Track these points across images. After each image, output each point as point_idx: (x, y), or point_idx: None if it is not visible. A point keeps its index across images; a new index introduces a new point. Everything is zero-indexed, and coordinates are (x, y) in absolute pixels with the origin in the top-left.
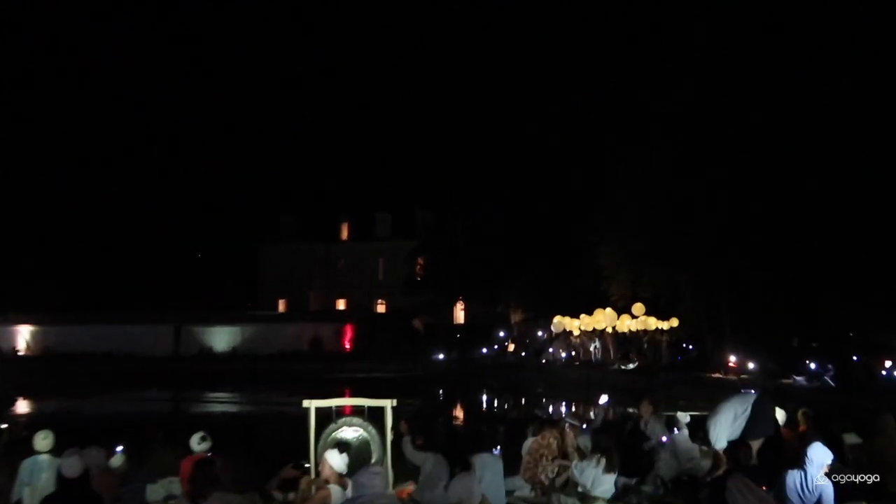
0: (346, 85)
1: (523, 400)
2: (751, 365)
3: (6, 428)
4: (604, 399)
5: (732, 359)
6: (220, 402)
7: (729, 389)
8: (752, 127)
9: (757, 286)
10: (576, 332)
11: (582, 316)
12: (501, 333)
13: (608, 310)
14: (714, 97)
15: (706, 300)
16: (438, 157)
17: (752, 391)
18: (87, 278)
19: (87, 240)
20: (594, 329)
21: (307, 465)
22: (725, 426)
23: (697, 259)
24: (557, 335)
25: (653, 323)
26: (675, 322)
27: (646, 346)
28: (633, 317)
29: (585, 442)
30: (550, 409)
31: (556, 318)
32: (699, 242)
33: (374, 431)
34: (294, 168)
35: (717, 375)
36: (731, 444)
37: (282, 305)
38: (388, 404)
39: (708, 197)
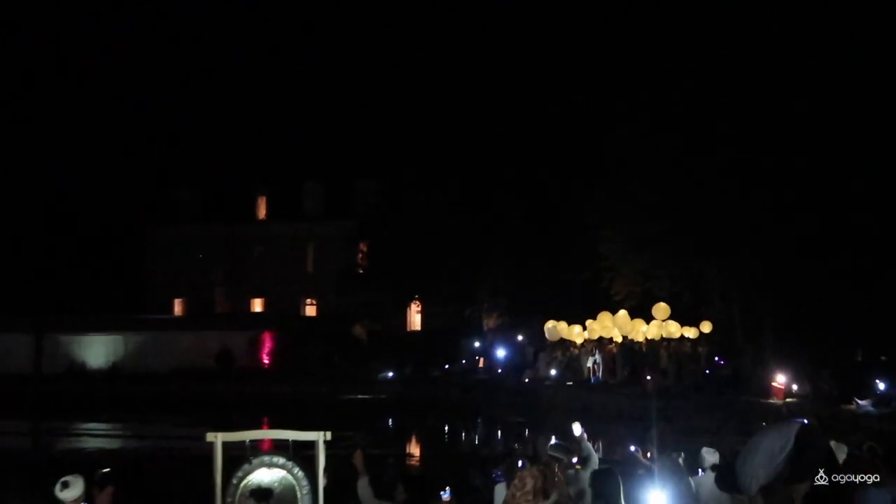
0: (263, 23)
1: (498, 432)
2: (798, 385)
3: None
4: (577, 429)
5: (779, 378)
6: (96, 436)
7: (771, 417)
8: (803, 80)
9: (808, 281)
10: (578, 342)
11: (588, 322)
12: (476, 344)
13: (621, 313)
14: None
15: (741, 300)
16: (386, 111)
17: (800, 420)
18: None
19: None
20: (599, 338)
21: None
22: (762, 466)
23: (730, 245)
24: (546, 346)
25: (675, 329)
26: (706, 327)
27: (667, 360)
28: (649, 321)
29: (580, 485)
30: (532, 443)
31: (550, 324)
32: (732, 223)
33: (301, 474)
34: (192, 125)
35: (755, 399)
36: (765, 489)
37: (178, 307)
38: (319, 438)
39: (743, 165)
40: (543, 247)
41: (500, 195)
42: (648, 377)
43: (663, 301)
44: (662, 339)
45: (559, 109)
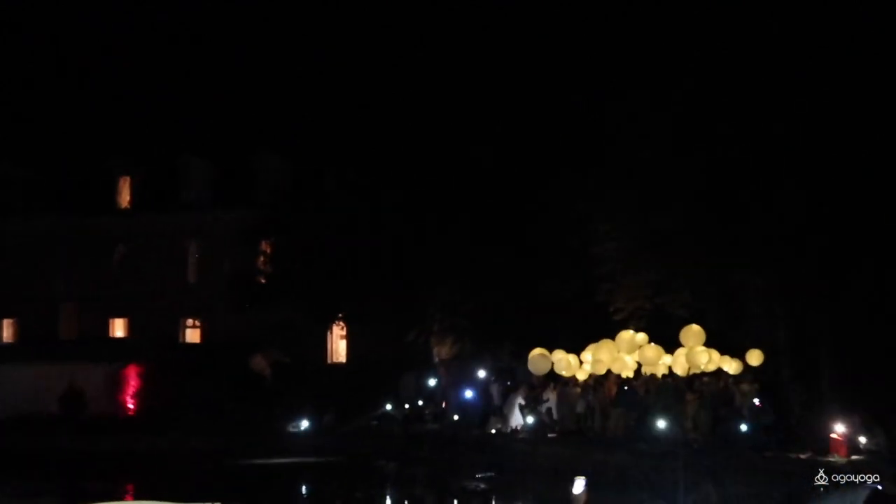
0: None
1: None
2: (867, 438)
3: None
4: (578, 486)
5: (840, 428)
6: None
7: (831, 481)
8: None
9: (880, 295)
10: (581, 377)
11: (592, 346)
12: (432, 382)
13: (631, 333)
14: None
15: (791, 323)
16: (295, 64)
17: (871, 485)
18: None
19: None
20: (608, 373)
21: None
22: None
23: (779, 246)
24: (518, 385)
25: (710, 360)
26: (755, 358)
27: (697, 403)
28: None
29: None
30: None
31: (538, 353)
32: (783, 215)
33: None
34: (31, 83)
35: (809, 456)
36: None
37: (7, 331)
38: None
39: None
40: (517, 250)
41: (460, 181)
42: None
43: (684, 322)
44: (694, 374)
45: (541, 69)
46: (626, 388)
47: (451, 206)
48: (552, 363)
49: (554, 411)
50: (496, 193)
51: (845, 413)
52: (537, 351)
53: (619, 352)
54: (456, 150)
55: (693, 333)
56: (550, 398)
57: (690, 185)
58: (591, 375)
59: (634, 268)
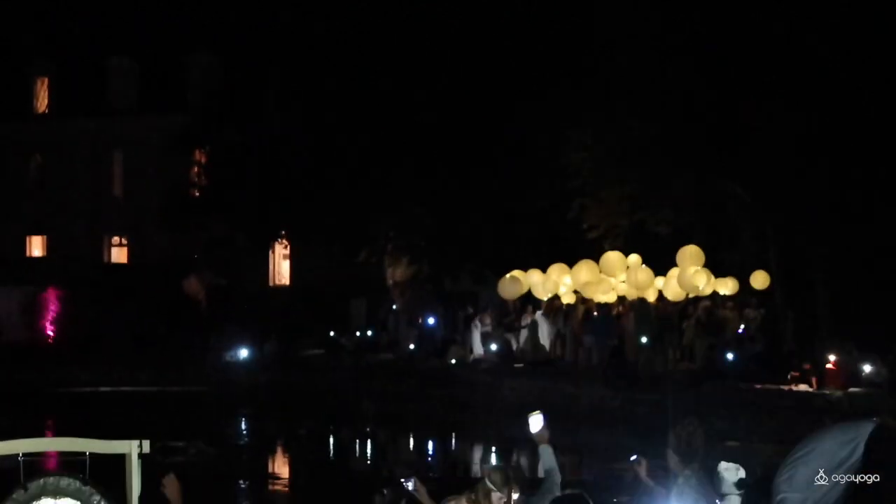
0: None
1: (409, 443)
2: (867, 367)
3: None
4: (535, 423)
5: (837, 358)
6: None
7: (826, 415)
8: None
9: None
10: (569, 299)
11: (574, 267)
12: (385, 307)
13: (618, 254)
14: None
15: (783, 242)
16: None
17: (871, 419)
18: None
19: None
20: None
21: None
22: (814, 483)
23: (772, 156)
24: (480, 311)
25: (706, 282)
26: (760, 280)
27: (695, 330)
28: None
29: None
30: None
31: (513, 275)
32: (779, 121)
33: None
34: None
35: (802, 388)
36: None
37: None
38: (131, 450)
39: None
40: (481, 160)
41: (415, 77)
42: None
43: (658, 243)
44: (691, 298)
45: None
46: (596, 314)
47: (406, 112)
48: (527, 287)
49: (522, 340)
50: (458, 99)
51: (842, 344)
52: (511, 273)
53: (602, 274)
54: (415, 49)
55: (690, 254)
56: (528, 324)
57: (673, 89)
58: (556, 298)
59: (610, 180)
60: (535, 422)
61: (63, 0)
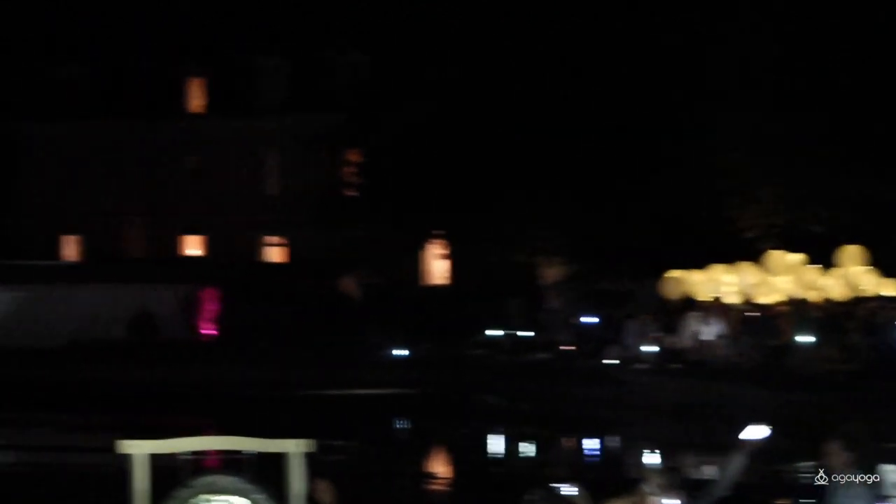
0: None
1: (563, 442)
2: None
3: None
4: (755, 432)
5: None
6: None
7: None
8: None
9: None
10: (731, 300)
11: (737, 266)
12: (542, 307)
13: (781, 253)
14: None
15: None
16: None
17: None
18: None
19: None
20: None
21: None
22: None
23: None
24: (637, 311)
25: (870, 283)
26: None
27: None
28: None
29: None
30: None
31: (672, 275)
32: None
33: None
34: None
35: None
36: None
37: (69, 248)
38: (294, 449)
39: None
40: (638, 160)
41: (572, 75)
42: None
43: (816, 243)
44: (856, 298)
45: None
46: (753, 314)
47: (564, 111)
48: (689, 286)
49: (680, 340)
50: (614, 99)
51: None
52: (673, 272)
53: (766, 274)
54: (572, 49)
55: (852, 254)
56: (687, 324)
57: (831, 83)
58: (717, 298)
59: (766, 180)
60: (757, 432)
61: (215, 2)
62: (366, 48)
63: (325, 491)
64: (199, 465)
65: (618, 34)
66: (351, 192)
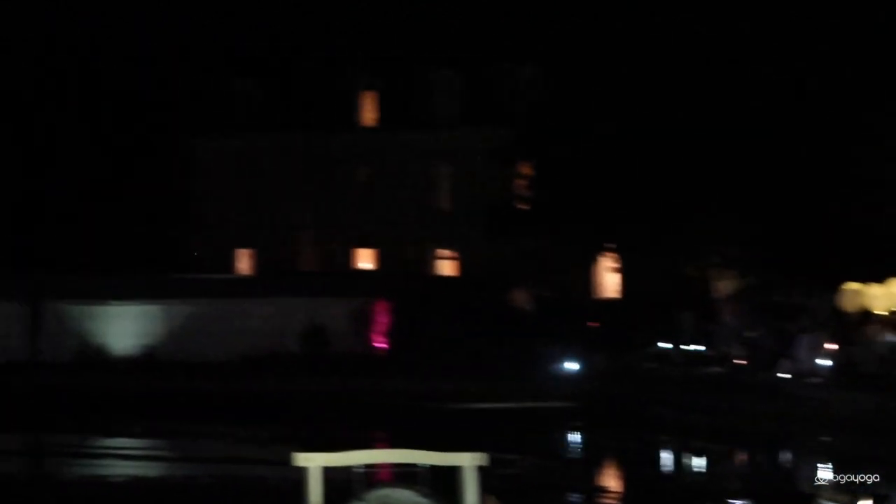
0: None
1: (736, 456)
2: None
3: None
4: None
5: None
6: (124, 458)
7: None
8: None
9: None
10: None
11: None
12: (713, 320)
13: None
14: None
15: None
16: None
17: None
18: None
19: None
20: None
21: None
22: None
23: None
24: (811, 325)
25: None
26: None
27: None
28: None
29: None
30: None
31: (851, 288)
32: None
33: None
34: None
35: None
36: None
37: (243, 262)
38: (468, 462)
39: None
40: (813, 175)
41: (744, 89)
42: None
43: None
44: None
45: None
46: None
47: (739, 124)
48: (867, 300)
49: (856, 354)
50: (789, 110)
51: None
52: (850, 285)
53: None
54: (750, 59)
55: None
56: (864, 338)
57: None
58: (894, 313)
59: None
60: None
61: (388, 15)
62: (539, 61)
63: None
64: (372, 477)
65: (803, 47)
66: (523, 205)
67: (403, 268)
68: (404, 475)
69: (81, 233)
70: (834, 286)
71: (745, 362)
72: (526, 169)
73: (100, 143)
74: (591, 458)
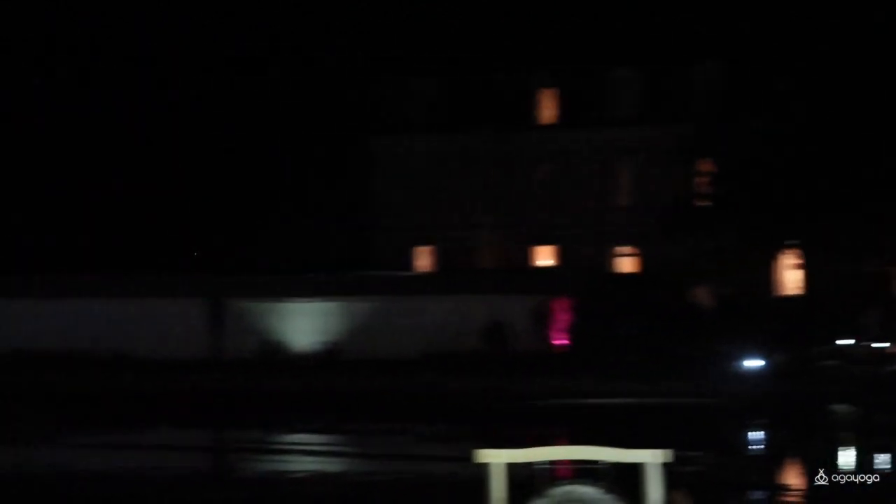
0: None
1: None
2: None
3: None
4: None
5: None
6: (306, 454)
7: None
8: None
9: None
10: None
11: None
12: None
13: None
14: None
15: None
16: None
17: None
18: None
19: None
20: None
21: None
22: None
23: None
24: None
25: None
26: None
27: None
28: None
29: None
30: None
31: None
32: None
33: None
34: None
35: None
36: None
37: (421, 260)
38: (650, 459)
39: None
40: None
41: None
42: None
43: None
44: None
45: None
46: None
47: None
48: None
49: None
50: None
51: None
52: None
53: None
54: None
55: None
56: None
57: None
58: None
59: None
60: None
61: (567, 14)
62: (720, 57)
63: (682, 502)
64: (553, 474)
65: None
66: (703, 202)
67: (583, 265)
68: (586, 472)
69: (263, 231)
70: None
71: None
72: (706, 166)
73: (281, 144)
74: (773, 456)
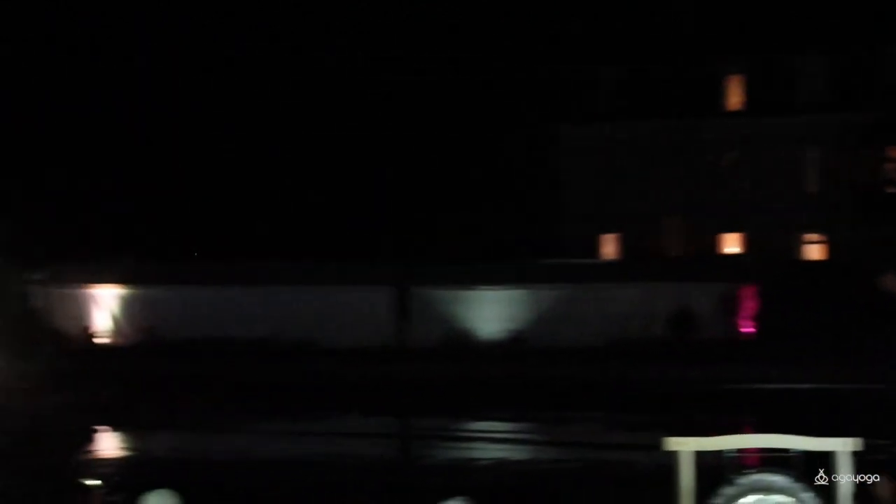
0: None
1: None
2: None
3: None
4: None
5: None
6: (481, 440)
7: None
8: None
9: None
10: None
11: None
12: None
13: None
14: None
15: None
16: None
17: None
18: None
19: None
20: None
21: None
22: None
23: None
24: None
25: None
26: None
27: None
28: None
29: None
30: None
31: None
32: None
33: (814, 501)
34: None
35: None
36: None
37: (609, 247)
38: (841, 447)
39: None
40: None
41: None
42: None
43: None
44: None
45: None
46: None
47: None
48: None
49: None
50: None
51: None
52: None
53: None
54: None
55: None
56: None
57: None
58: None
59: None
60: None
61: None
62: None
63: (886, 488)
64: (742, 462)
65: None
66: (893, 189)
67: (772, 253)
68: (775, 460)
69: (450, 219)
70: None
71: None
72: (893, 152)
73: (469, 132)
74: None
